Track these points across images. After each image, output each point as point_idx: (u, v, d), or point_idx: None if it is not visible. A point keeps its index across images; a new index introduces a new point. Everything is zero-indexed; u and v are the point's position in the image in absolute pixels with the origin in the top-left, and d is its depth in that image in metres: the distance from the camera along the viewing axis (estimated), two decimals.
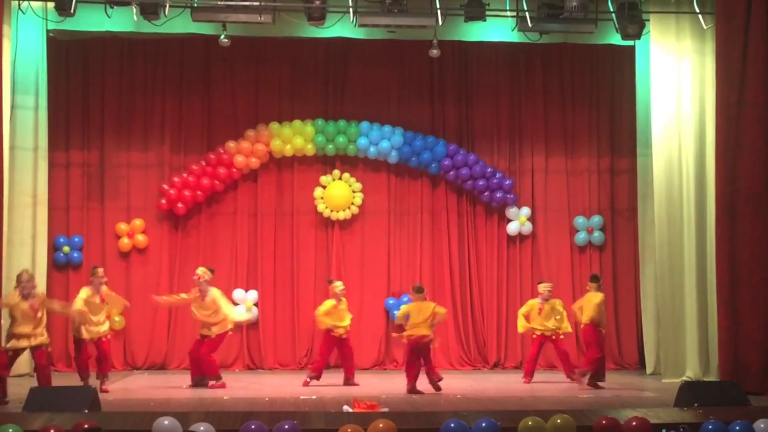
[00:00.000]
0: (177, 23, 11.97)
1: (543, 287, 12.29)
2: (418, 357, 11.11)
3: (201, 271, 11.70)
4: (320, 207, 13.93)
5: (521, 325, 12.32)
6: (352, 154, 14.05)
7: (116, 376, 12.62)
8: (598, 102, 14.50)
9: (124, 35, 13.00)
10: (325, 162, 14.13)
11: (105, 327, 11.13)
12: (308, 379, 11.59)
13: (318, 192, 13.96)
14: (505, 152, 14.39)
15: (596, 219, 14.29)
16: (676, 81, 12.40)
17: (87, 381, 10.86)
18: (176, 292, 13.62)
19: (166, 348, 13.55)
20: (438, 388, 11.01)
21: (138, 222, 13.73)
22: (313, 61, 14.17)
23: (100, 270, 11.26)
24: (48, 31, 12.40)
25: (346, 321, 11.78)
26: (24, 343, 10.15)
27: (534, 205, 14.33)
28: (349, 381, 11.76)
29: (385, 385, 11.60)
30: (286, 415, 7.97)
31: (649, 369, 13.02)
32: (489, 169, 14.08)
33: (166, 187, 13.69)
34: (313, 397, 10.21)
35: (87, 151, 13.75)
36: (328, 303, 11.77)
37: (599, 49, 13.95)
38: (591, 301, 11.75)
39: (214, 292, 11.60)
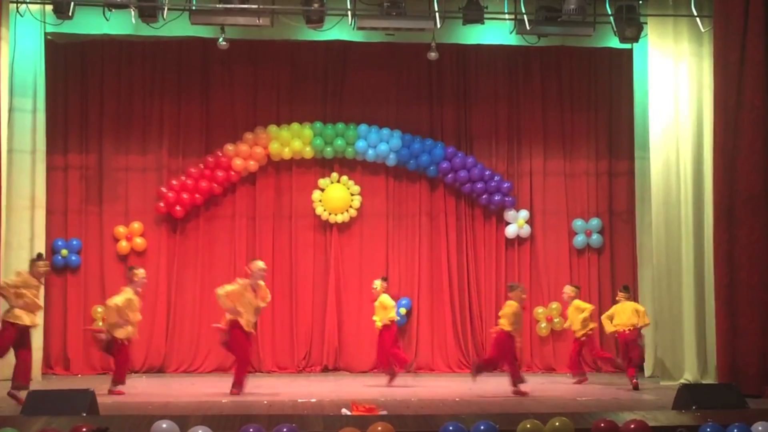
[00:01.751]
0: (175, 26, 11.94)
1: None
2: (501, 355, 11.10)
3: (263, 264, 11.22)
4: (319, 210, 13.93)
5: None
6: (350, 157, 14.05)
7: None
8: (596, 105, 14.51)
9: (122, 38, 12.96)
10: (323, 165, 14.13)
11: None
12: (408, 371, 12.08)
13: (316, 195, 13.96)
14: (503, 155, 14.39)
15: (594, 222, 14.29)
16: (673, 84, 12.38)
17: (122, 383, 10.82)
18: (174, 294, 13.68)
19: (165, 351, 13.53)
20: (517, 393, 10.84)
21: (136, 225, 13.72)
22: (311, 64, 14.17)
23: (141, 271, 11.10)
24: (46, 34, 12.38)
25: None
26: None
27: (532, 207, 14.33)
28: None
29: (384, 387, 11.57)
30: (284, 418, 7.97)
31: (647, 371, 12.99)
32: (487, 172, 14.08)
33: (164, 190, 13.68)
34: (312, 400, 10.19)
35: (85, 154, 13.73)
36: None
37: (597, 52, 13.96)
38: (626, 310, 11.97)
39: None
